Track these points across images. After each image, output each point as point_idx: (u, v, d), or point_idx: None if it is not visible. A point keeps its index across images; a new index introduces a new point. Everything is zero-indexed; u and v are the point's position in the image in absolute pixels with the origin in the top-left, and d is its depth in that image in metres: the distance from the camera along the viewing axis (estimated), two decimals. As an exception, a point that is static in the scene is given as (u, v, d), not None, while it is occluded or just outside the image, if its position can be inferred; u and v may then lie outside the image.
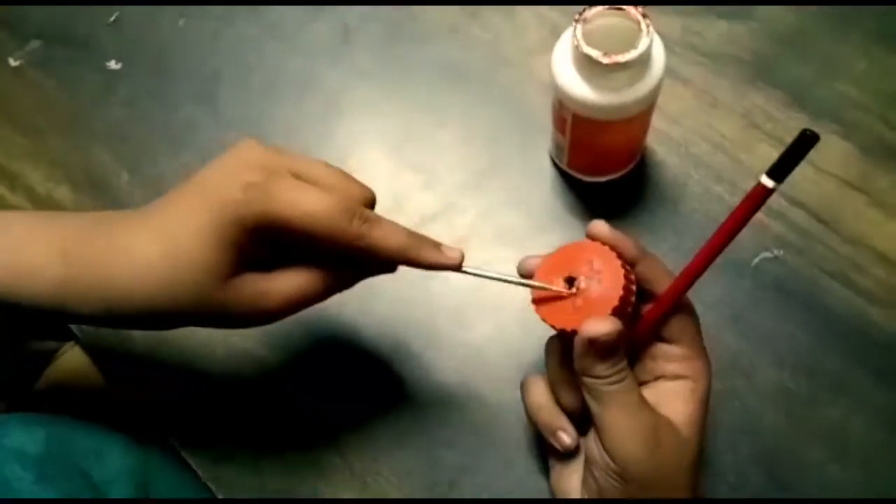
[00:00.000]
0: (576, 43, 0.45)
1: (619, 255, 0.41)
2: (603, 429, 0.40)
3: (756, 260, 0.55)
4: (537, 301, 0.42)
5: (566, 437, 0.45)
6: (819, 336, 0.53)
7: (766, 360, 0.53)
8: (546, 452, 0.50)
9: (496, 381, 0.54)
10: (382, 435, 0.53)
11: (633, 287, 0.41)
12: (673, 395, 0.43)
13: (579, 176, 0.58)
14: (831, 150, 0.58)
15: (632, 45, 0.44)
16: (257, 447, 0.54)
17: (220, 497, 0.52)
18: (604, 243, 0.42)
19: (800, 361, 0.53)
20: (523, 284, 0.43)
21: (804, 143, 0.34)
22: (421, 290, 0.57)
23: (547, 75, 0.50)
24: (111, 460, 0.47)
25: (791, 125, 0.59)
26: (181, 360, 0.56)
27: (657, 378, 0.44)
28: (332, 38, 0.66)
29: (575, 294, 0.41)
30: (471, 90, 0.63)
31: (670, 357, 0.43)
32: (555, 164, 0.59)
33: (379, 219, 0.40)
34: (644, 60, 0.45)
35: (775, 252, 0.56)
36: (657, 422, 0.41)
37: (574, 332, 0.40)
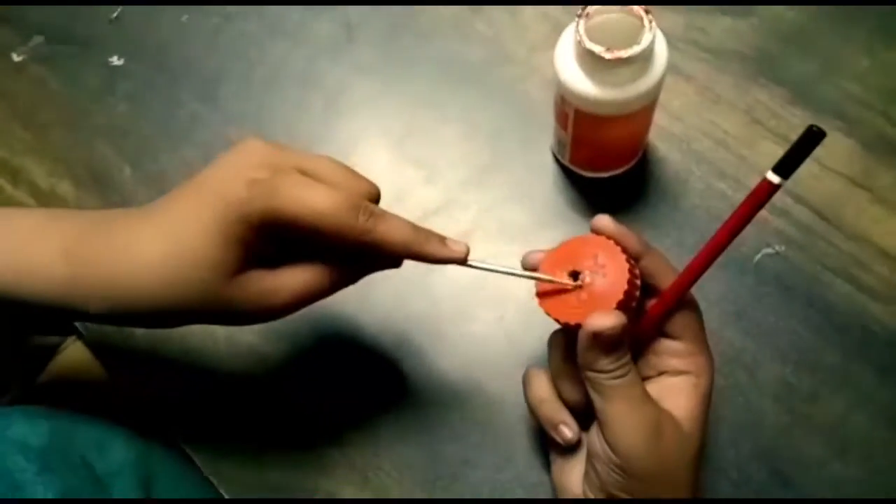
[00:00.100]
0: (578, 38, 0.45)
1: (624, 250, 0.41)
2: (606, 423, 0.40)
3: (758, 256, 0.55)
4: (541, 295, 0.42)
5: (568, 430, 0.45)
6: (821, 332, 0.53)
7: (769, 356, 0.53)
8: (547, 446, 0.50)
9: (498, 374, 0.54)
10: (383, 429, 0.53)
11: (638, 282, 0.41)
12: (676, 390, 0.43)
13: (581, 172, 0.58)
14: (834, 147, 0.58)
15: (634, 40, 0.44)
16: (258, 441, 0.54)
17: (220, 490, 0.52)
18: (608, 237, 0.42)
19: (802, 358, 0.53)
20: (528, 277, 0.43)
21: (810, 139, 0.34)
22: (422, 284, 0.57)
23: (549, 71, 0.50)
24: (113, 453, 0.47)
25: (794, 122, 0.59)
26: (183, 354, 0.56)
27: (660, 373, 0.44)
28: (335, 33, 0.66)
29: (579, 288, 0.41)
30: (473, 86, 0.63)
31: (673, 353, 0.43)
32: (557, 160, 0.59)
33: (384, 213, 0.40)
34: (647, 56, 0.45)
35: (777, 248, 0.56)
36: (660, 416, 0.41)
37: (578, 326, 0.40)
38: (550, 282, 0.42)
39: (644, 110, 0.50)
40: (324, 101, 0.64)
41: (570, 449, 0.46)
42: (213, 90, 0.65)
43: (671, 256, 0.44)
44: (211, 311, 0.39)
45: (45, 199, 0.62)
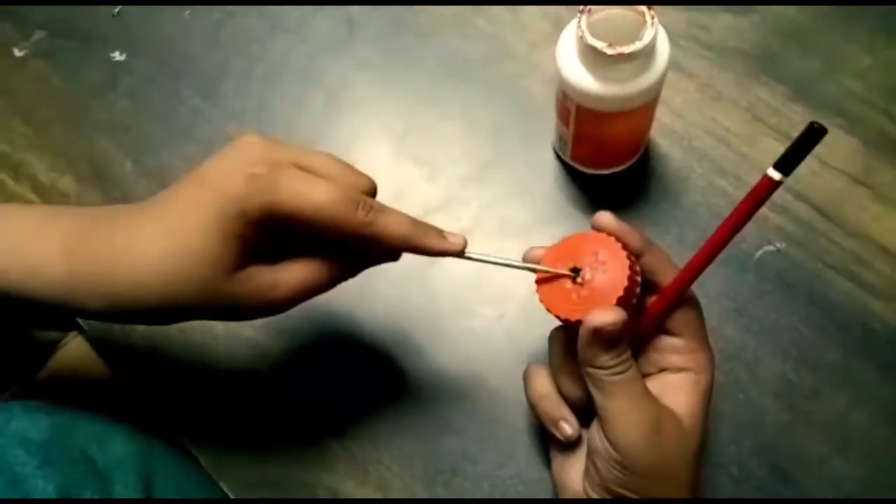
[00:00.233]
0: (580, 34, 0.45)
1: (625, 247, 0.41)
2: (606, 419, 0.40)
3: (759, 253, 0.55)
4: (542, 291, 0.42)
5: (568, 427, 0.45)
6: (822, 329, 0.53)
7: (769, 352, 0.53)
8: (548, 442, 0.50)
9: (498, 370, 0.54)
10: (384, 424, 0.54)
11: (638, 278, 0.41)
12: (676, 387, 0.43)
13: (583, 168, 0.58)
14: (835, 145, 0.58)
15: (636, 36, 0.44)
16: (259, 435, 0.54)
17: (221, 484, 0.52)
18: (609, 234, 0.42)
19: (803, 355, 0.53)
20: (526, 268, 0.43)
21: (812, 135, 0.34)
22: (423, 280, 0.57)
23: (550, 68, 0.50)
24: (114, 447, 0.47)
25: (795, 119, 0.59)
26: (183, 350, 0.56)
27: (661, 370, 0.44)
28: (336, 30, 0.66)
29: (580, 284, 0.41)
30: (474, 82, 0.63)
31: (674, 349, 0.43)
32: (558, 157, 0.59)
33: (383, 207, 0.40)
34: (649, 52, 0.45)
35: (778, 245, 0.56)
36: (660, 413, 0.41)
37: (578, 323, 0.40)
38: (547, 272, 0.42)
39: (646, 107, 0.50)
40: (325, 97, 0.64)
41: (571, 445, 0.46)
42: (214, 86, 0.65)
43: (672, 253, 0.44)
44: (211, 307, 0.39)
45: (47, 195, 0.62)
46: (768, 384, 0.52)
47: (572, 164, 0.58)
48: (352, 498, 0.52)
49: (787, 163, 0.35)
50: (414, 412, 0.54)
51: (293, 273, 0.40)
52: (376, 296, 0.56)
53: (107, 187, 0.62)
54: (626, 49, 0.44)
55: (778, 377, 0.53)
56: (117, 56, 0.67)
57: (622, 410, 0.40)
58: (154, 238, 0.38)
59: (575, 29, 0.46)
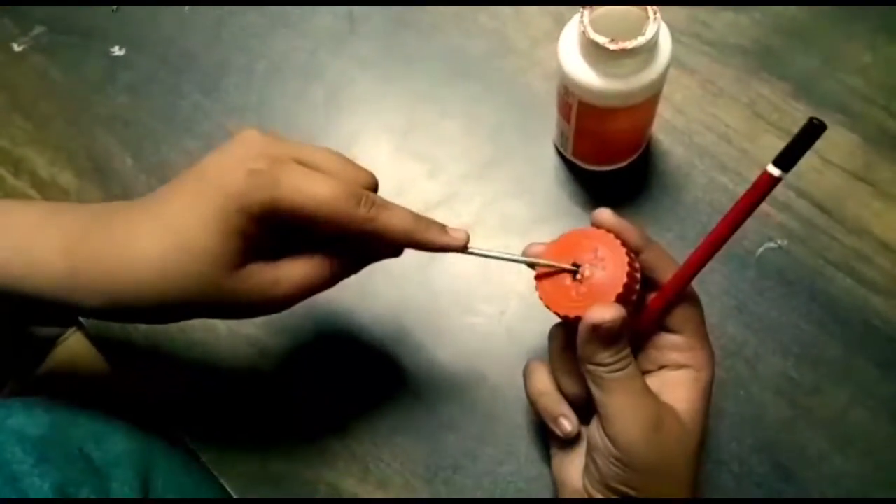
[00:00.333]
0: (583, 29, 0.45)
1: (624, 243, 0.41)
2: (606, 416, 0.40)
3: (760, 250, 0.55)
4: (541, 288, 0.42)
5: (567, 423, 0.45)
6: (822, 326, 0.53)
7: (770, 349, 0.53)
8: (547, 438, 0.50)
9: (498, 367, 0.54)
10: (384, 421, 0.54)
11: (638, 275, 0.41)
12: (676, 384, 0.43)
13: (584, 165, 0.58)
14: (836, 141, 0.57)
15: (639, 31, 0.44)
16: (260, 432, 0.54)
17: (221, 481, 0.52)
18: (609, 231, 0.42)
19: (803, 351, 0.53)
20: (527, 263, 0.43)
21: (811, 131, 0.34)
22: (424, 277, 0.57)
23: (551, 64, 0.50)
24: (112, 444, 0.47)
25: (796, 115, 0.59)
26: (184, 346, 0.56)
27: (661, 367, 0.44)
28: (337, 26, 0.66)
29: (579, 281, 0.41)
30: (475, 79, 0.63)
31: (674, 346, 0.43)
32: (559, 153, 0.59)
33: (385, 202, 0.40)
34: (651, 47, 0.45)
35: (779, 242, 0.56)
36: (660, 409, 0.41)
37: (578, 320, 0.40)
38: (548, 266, 0.42)
39: (647, 102, 0.50)
40: (326, 94, 0.64)
41: (570, 442, 0.46)
42: (214, 82, 0.65)
43: (673, 250, 0.44)
44: (211, 305, 0.39)
45: (47, 190, 0.62)
46: (769, 381, 0.52)
47: (573, 160, 0.58)
48: (353, 498, 0.52)
49: (786, 159, 0.35)
50: (414, 409, 0.54)
51: (294, 270, 0.40)
52: (377, 293, 0.56)
53: (107, 182, 0.62)
54: (629, 44, 0.44)
55: (778, 374, 0.53)
56: (117, 51, 0.67)
57: (622, 407, 0.40)
58: (154, 235, 0.38)
59: (577, 24, 0.46)
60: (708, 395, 0.43)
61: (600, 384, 0.40)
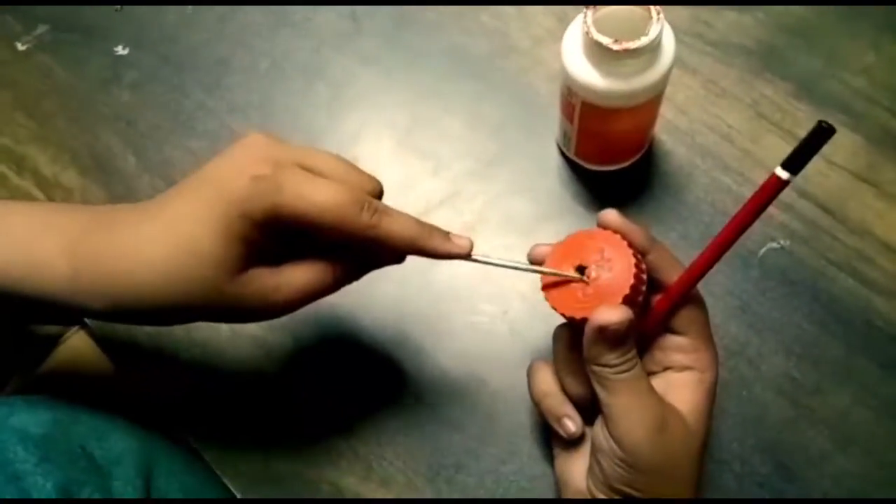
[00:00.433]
0: (586, 29, 0.45)
1: (630, 244, 0.41)
2: (611, 417, 0.40)
3: (763, 250, 0.56)
4: (547, 289, 0.42)
5: (571, 424, 0.45)
6: (825, 326, 0.53)
7: (773, 349, 0.53)
8: (551, 439, 0.50)
9: (502, 367, 0.54)
10: (387, 420, 0.54)
11: (644, 276, 0.41)
12: (680, 385, 0.43)
13: (586, 165, 0.58)
14: (839, 142, 0.57)
15: (642, 32, 0.44)
16: (263, 432, 0.54)
17: (224, 480, 0.53)
18: (615, 232, 0.42)
19: (806, 351, 0.53)
20: (531, 271, 0.43)
21: (820, 134, 0.34)
22: (427, 279, 0.57)
23: (554, 63, 0.50)
24: (114, 442, 0.47)
25: (799, 116, 0.59)
26: (188, 346, 0.56)
27: (665, 369, 0.44)
28: (341, 24, 0.66)
29: (585, 282, 0.41)
30: (478, 78, 0.63)
31: (678, 348, 0.43)
32: (562, 153, 0.59)
33: (389, 209, 0.40)
34: (654, 48, 0.45)
35: (782, 242, 0.56)
36: (665, 411, 0.41)
37: (584, 321, 0.40)
38: (555, 275, 0.42)
39: (650, 103, 0.50)
40: (329, 91, 0.64)
41: (574, 443, 0.46)
42: (218, 80, 0.65)
43: (676, 250, 0.44)
44: (213, 309, 0.39)
45: (50, 188, 0.62)
46: (771, 381, 0.53)
47: (576, 160, 0.58)
48: (356, 497, 0.52)
49: (794, 162, 0.35)
50: (417, 409, 0.54)
51: (297, 275, 0.40)
52: (380, 293, 0.56)
53: (110, 181, 0.62)
54: (632, 45, 0.44)
55: (781, 374, 0.53)
56: (120, 50, 0.67)
57: (627, 408, 0.40)
58: (157, 239, 0.38)
59: (580, 24, 0.46)
60: (712, 397, 0.43)
61: (606, 385, 0.40)
